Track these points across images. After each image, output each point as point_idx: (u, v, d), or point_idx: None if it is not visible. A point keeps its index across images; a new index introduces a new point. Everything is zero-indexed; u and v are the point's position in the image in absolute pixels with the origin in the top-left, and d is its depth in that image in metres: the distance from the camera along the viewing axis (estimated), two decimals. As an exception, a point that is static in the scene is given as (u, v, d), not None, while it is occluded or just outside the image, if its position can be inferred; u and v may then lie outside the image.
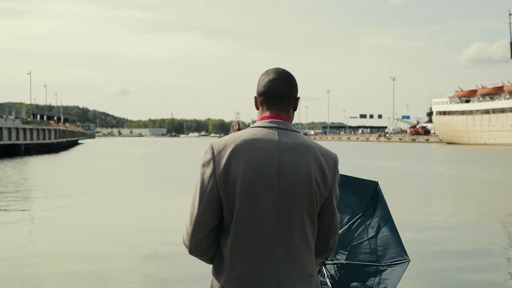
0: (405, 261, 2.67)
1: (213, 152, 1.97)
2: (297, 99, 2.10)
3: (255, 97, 2.11)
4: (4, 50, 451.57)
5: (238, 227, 1.93)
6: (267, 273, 1.92)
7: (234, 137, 1.99)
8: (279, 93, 2.05)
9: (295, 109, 2.10)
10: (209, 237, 1.98)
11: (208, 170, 1.96)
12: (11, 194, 17.39)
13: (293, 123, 2.09)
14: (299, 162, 1.95)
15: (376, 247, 2.67)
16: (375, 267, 2.66)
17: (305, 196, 1.95)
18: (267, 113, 2.05)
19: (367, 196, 2.66)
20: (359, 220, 2.67)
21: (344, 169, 2.53)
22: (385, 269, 2.66)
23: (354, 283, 2.60)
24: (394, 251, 2.68)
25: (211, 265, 2.04)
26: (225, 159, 1.94)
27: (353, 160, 37.62)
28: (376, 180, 2.71)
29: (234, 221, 1.93)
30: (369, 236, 2.66)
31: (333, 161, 2.03)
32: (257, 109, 2.11)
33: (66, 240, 9.56)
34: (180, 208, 14.49)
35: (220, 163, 1.94)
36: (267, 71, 2.10)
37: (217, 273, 1.98)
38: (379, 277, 2.65)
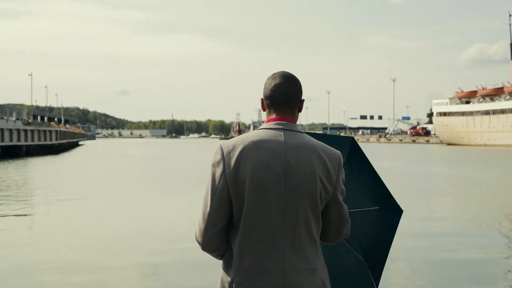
0: (398, 209, 2.84)
1: (222, 153, 2.08)
2: (302, 101, 2.21)
3: (262, 100, 2.22)
4: (5, 51, 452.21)
5: (246, 224, 2.05)
6: (274, 267, 2.03)
7: (242, 138, 2.10)
8: (285, 96, 2.16)
9: (300, 111, 2.22)
10: (220, 234, 2.10)
11: (219, 170, 2.07)
12: (13, 194, 17.47)
13: None
14: (304, 161, 2.07)
15: (368, 194, 2.83)
16: (374, 212, 2.83)
17: (310, 194, 2.06)
18: (274, 115, 2.16)
19: (345, 149, 2.76)
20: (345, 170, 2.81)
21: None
22: (383, 213, 2.84)
23: (358, 228, 2.75)
24: (385, 198, 2.84)
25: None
26: (234, 160, 2.05)
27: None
28: (352, 136, 2.84)
29: (243, 218, 2.05)
30: (358, 184, 2.79)
31: (337, 159, 2.14)
32: (264, 110, 2.23)
33: (66, 246, 9.40)
34: (182, 211, 14.55)
35: (229, 163, 2.05)
36: (273, 74, 2.20)
37: (226, 267, 2.10)
38: (380, 220, 2.83)
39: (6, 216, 13.00)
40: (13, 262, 8.29)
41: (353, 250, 2.80)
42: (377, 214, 2.83)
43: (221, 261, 2.16)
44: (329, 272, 2.51)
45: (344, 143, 2.77)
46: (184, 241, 9.60)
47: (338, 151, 2.18)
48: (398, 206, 2.84)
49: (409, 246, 9.29)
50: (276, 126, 2.12)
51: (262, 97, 2.21)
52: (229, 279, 2.06)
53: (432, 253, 8.86)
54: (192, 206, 13.93)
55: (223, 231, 2.10)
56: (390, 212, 2.82)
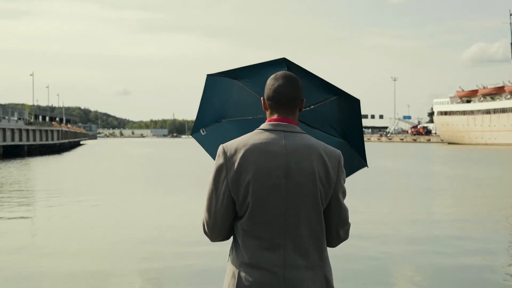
0: (355, 99, 3.03)
1: (225, 157, 2.16)
2: (302, 101, 2.28)
3: (263, 99, 2.28)
4: (6, 51, 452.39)
5: (250, 222, 2.14)
6: (276, 263, 2.12)
7: (244, 141, 2.17)
8: (287, 98, 2.23)
9: (300, 110, 2.28)
10: (226, 229, 2.22)
11: (221, 174, 2.16)
12: (14, 196, 17.51)
13: None
14: (304, 163, 2.14)
15: (322, 88, 3.03)
16: (335, 101, 3.06)
17: (310, 194, 2.14)
18: (275, 116, 2.23)
19: (283, 66, 2.96)
20: None
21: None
22: (342, 102, 3.05)
23: (328, 117, 3.11)
24: (338, 90, 3.04)
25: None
26: (236, 164, 2.14)
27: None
28: (283, 57, 3.00)
29: (247, 217, 2.14)
30: (311, 83, 3.00)
31: (337, 159, 2.21)
32: (265, 110, 2.28)
33: (66, 251, 9.22)
34: (184, 212, 14.57)
35: (232, 167, 2.14)
36: (275, 75, 2.27)
37: (233, 261, 2.19)
38: (342, 107, 3.07)
39: (8, 218, 12.92)
40: (13, 267, 8.09)
41: (331, 135, 3.10)
42: (337, 102, 3.07)
43: (227, 259, 2.26)
44: None
45: (279, 62, 2.98)
46: (186, 245, 9.53)
47: (338, 150, 2.24)
48: (353, 96, 3.06)
49: (409, 250, 9.25)
50: (277, 128, 2.19)
51: (264, 96, 2.28)
52: (234, 273, 2.16)
53: (431, 257, 8.66)
54: (194, 207, 13.98)
55: (228, 227, 2.21)
56: (349, 101, 3.04)
